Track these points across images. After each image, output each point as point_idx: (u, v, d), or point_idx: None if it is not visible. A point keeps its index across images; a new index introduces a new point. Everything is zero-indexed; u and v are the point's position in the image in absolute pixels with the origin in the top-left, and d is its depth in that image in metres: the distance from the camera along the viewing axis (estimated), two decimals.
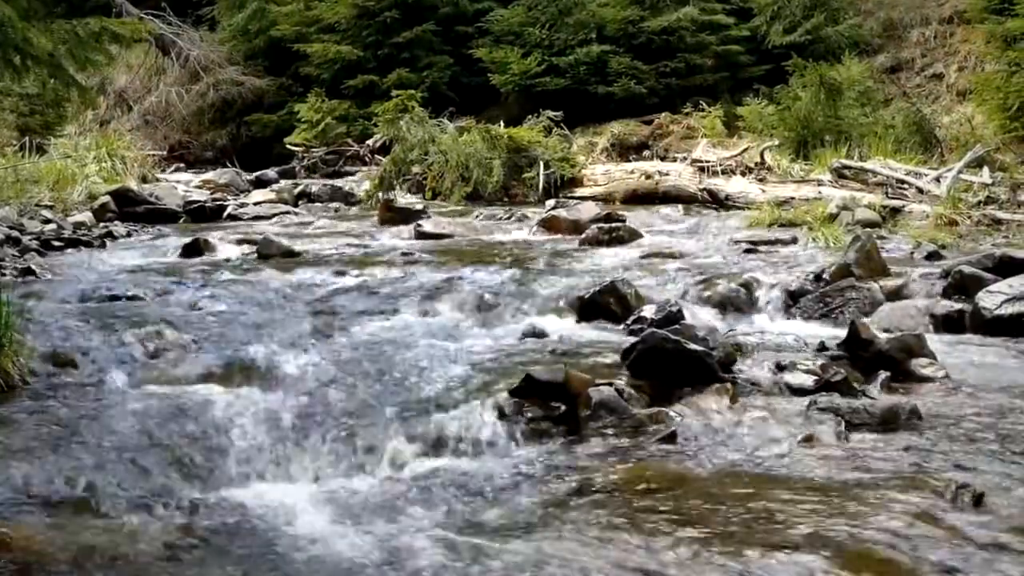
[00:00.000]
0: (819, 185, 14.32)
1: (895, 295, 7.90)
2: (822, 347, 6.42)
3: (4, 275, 9.19)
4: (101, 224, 13.23)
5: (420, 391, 5.76)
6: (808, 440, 5.03)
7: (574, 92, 21.33)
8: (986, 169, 13.60)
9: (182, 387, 5.93)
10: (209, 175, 19.94)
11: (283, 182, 18.90)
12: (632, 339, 6.33)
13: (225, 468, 4.72)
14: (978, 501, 4.16)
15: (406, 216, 13.52)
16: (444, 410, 5.36)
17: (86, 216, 13.53)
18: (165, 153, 23.57)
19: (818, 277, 8.36)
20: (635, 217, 13.04)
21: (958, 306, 7.51)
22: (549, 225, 12.66)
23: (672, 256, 10.07)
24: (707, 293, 8.27)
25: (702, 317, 7.63)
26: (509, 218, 13.77)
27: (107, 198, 14.39)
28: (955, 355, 6.55)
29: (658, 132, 20.26)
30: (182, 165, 23.39)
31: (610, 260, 10.07)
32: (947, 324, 7.36)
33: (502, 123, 17.88)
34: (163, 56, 25.83)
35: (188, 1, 27.05)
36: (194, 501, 4.36)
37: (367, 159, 20.96)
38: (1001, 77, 15.95)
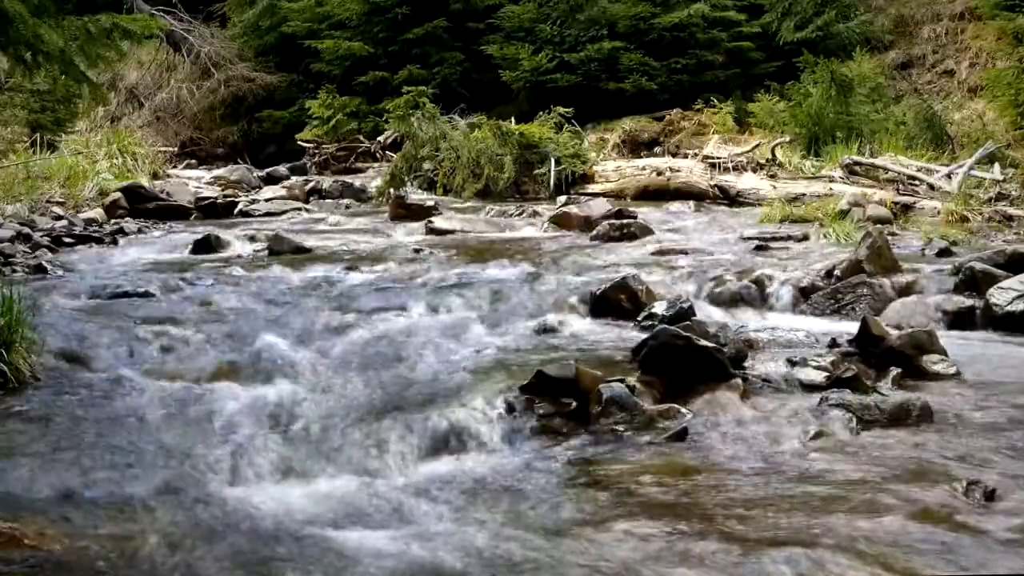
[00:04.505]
0: (830, 181, 14.31)
1: (906, 291, 7.89)
2: (833, 343, 6.41)
3: (15, 272, 9.21)
4: (112, 221, 13.25)
5: (431, 388, 5.77)
6: (819, 436, 5.04)
7: (585, 88, 21.28)
8: (997, 166, 13.60)
9: (193, 384, 5.95)
10: (220, 171, 19.91)
11: (294, 178, 18.84)
12: (643, 335, 6.33)
13: (235, 465, 4.72)
14: (990, 497, 4.16)
15: (417, 212, 13.51)
16: (455, 407, 5.36)
17: (97, 213, 13.55)
18: (176, 150, 23.57)
19: (829, 273, 8.35)
20: (646, 213, 13.03)
21: (969, 302, 7.50)
22: (560, 221, 12.65)
23: (683, 252, 10.05)
24: (718, 289, 8.28)
25: (713, 313, 7.65)
26: (520, 214, 13.75)
27: (118, 195, 14.39)
28: (966, 351, 6.54)
29: (669, 128, 20.20)
30: (193, 161, 23.34)
31: (621, 256, 10.05)
32: (958, 320, 7.36)
33: (513, 120, 17.82)
34: (174, 52, 25.79)
35: None
36: (204, 498, 4.37)
37: (378, 156, 20.90)
38: (1012, 73, 15.90)
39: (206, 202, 15.20)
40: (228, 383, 5.94)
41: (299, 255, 10.36)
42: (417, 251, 10.48)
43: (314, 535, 4.03)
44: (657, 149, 19.81)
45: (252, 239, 11.45)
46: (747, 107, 19.36)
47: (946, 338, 6.53)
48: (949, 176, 13.47)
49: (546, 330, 7.24)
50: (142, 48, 24.11)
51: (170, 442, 4.92)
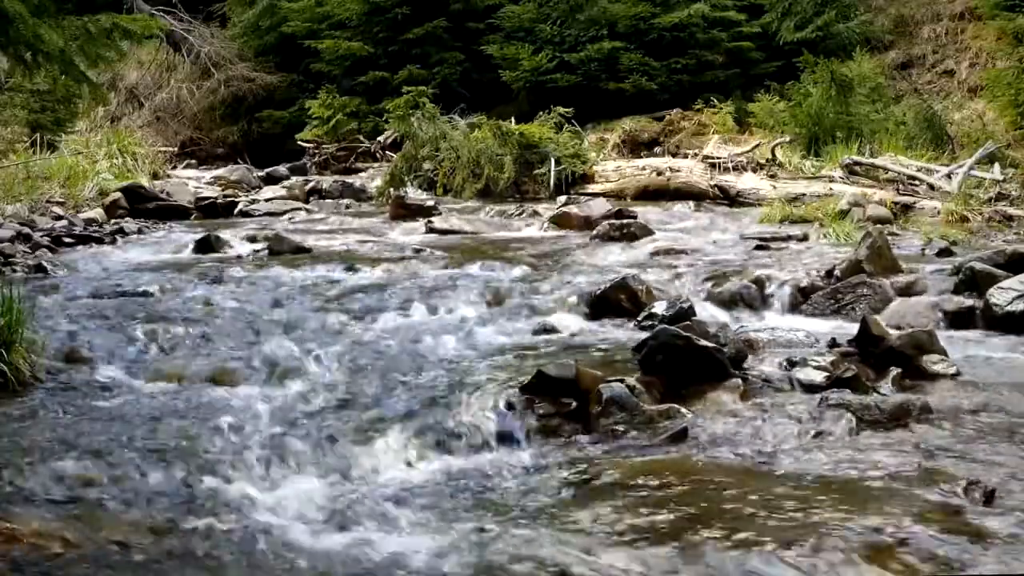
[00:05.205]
0: (830, 181, 14.31)
1: (906, 291, 7.88)
2: (833, 343, 6.41)
3: (15, 272, 9.21)
4: (112, 221, 13.24)
5: (431, 388, 5.77)
6: (819, 436, 5.03)
7: (585, 88, 21.28)
8: (997, 166, 13.61)
9: (193, 384, 5.96)
10: (220, 171, 19.91)
11: (294, 178, 18.83)
12: (643, 335, 6.32)
13: (235, 465, 4.72)
14: (989, 497, 4.15)
15: (417, 212, 13.52)
16: (455, 407, 5.36)
17: (97, 213, 13.55)
18: (176, 150, 23.55)
19: (829, 273, 8.35)
20: (646, 213, 13.03)
21: (969, 302, 7.49)
22: (560, 221, 12.65)
23: (683, 252, 10.05)
24: (718, 289, 8.26)
25: (713, 313, 7.63)
26: (520, 214, 13.75)
27: (118, 195, 14.38)
28: (966, 352, 6.54)
29: (669, 128, 20.20)
30: (193, 162, 23.33)
31: (621, 256, 10.06)
32: (958, 321, 7.34)
33: (513, 120, 17.82)
34: (174, 52, 25.78)
35: None
36: (204, 497, 4.37)
37: (378, 155, 20.90)
38: (1012, 73, 15.91)
39: (206, 202, 15.21)
40: (228, 383, 5.94)
41: (299, 255, 10.35)
42: (417, 251, 10.47)
43: (313, 534, 4.03)
44: (657, 149, 19.82)
45: (252, 239, 11.45)
46: (747, 107, 19.37)
47: (946, 338, 6.53)
48: (949, 176, 13.48)
49: (546, 330, 7.23)
50: (142, 48, 24.10)
51: (170, 442, 4.91)
